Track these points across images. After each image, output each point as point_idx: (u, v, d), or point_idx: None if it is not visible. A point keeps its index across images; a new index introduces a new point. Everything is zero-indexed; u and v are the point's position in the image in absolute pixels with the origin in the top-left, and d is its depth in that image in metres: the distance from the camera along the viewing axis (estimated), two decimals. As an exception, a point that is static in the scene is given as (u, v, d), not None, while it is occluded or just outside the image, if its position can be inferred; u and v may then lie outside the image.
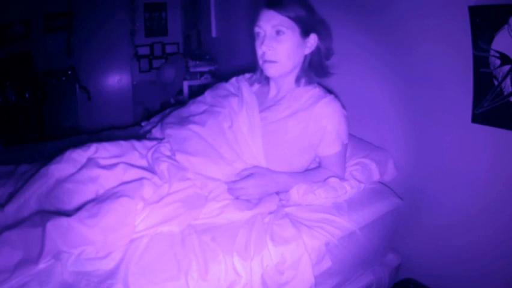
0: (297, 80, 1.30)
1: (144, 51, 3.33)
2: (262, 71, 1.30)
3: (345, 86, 1.73)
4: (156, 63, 3.36)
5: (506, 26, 1.09)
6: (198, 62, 2.86)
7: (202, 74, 2.86)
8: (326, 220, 1.22)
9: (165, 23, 3.36)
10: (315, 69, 1.29)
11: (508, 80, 1.12)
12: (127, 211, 0.98)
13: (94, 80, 3.18)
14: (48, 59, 2.97)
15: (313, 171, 1.33)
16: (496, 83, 1.15)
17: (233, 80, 1.52)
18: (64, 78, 3.02)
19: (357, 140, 1.57)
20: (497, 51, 1.13)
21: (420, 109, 1.43)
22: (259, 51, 1.24)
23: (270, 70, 1.24)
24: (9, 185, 1.15)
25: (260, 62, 1.25)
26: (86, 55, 3.09)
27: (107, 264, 0.90)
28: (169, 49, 3.40)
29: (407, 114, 1.49)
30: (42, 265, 0.87)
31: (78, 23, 3.04)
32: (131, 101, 3.40)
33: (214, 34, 2.82)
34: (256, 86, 1.43)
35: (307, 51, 1.26)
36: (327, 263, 1.14)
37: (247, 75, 1.51)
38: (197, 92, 2.72)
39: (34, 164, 1.28)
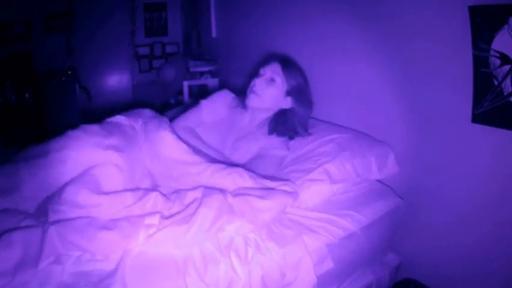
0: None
1: (144, 51, 3.33)
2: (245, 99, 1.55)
3: (347, 87, 1.74)
4: (156, 63, 3.36)
5: (506, 26, 1.09)
6: (198, 62, 2.86)
7: (202, 74, 2.86)
8: (326, 220, 1.22)
9: (165, 23, 3.35)
10: (284, 125, 1.53)
11: (508, 80, 1.12)
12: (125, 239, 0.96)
13: (94, 80, 3.18)
14: (48, 59, 2.95)
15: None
16: (496, 83, 1.15)
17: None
18: (64, 78, 3.01)
19: (358, 134, 1.58)
20: (497, 51, 1.13)
21: (420, 109, 1.43)
22: (253, 82, 1.54)
23: (252, 100, 1.52)
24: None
25: (248, 90, 1.54)
26: (86, 55, 3.08)
27: (106, 265, 0.91)
28: (169, 49, 3.39)
29: (406, 115, 1.49)
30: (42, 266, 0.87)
31: (78, 23, 3.04)
32: (131, 101, 3.39)
33: (214, 34, 2.82)
34: (225, 112, 1.62)
35: (284, 105, 1.55)
36: (328, 264, 1.14)
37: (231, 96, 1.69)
38: (197, 92, 2.72)
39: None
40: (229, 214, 1.04)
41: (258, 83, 1.52)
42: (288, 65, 1.56)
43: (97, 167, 1.07)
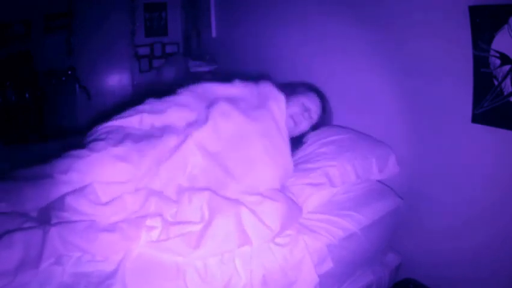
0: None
1: (144, 51, 3.32)
2: None
3: (347, 87, 1.74)
4: (156, 63, 3.36)
5: (506, 26, 1.10)
6: (198, 62, 2.86)
7: (202, 74, 2.86)
8: (326, 220, 1.22)
9: (165, 23, 3.35)
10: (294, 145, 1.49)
11: (508, 80, 1.12)
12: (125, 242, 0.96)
13: (94, 80, 3.17)
14: (48, 59, 2.96)
15: None
16: (496, 83, 1.16)
17: None
18: (64, 78, 3.01)
19: (359, 135, 1.59)
20: (497, 51, 1.13)
21: (420, 109, 1.43)
22: (294, 110, 1.47)
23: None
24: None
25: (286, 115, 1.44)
26: (86, 55, 3.07)
27: (106, 266, 0.91)
28: (169, 49, 3.39)
29: (407, 114, 1.49)
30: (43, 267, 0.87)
31: (78, 23, 3.03)
32: (131, 101, 3.38)
33: (214, 34, 2.82)
34: None
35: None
36: (328, 265, 1.14)
37: None
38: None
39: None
40: (240, 235, 1.01)
41: (302, 116, 1.49)
42: (324, 101, 1.56)
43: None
